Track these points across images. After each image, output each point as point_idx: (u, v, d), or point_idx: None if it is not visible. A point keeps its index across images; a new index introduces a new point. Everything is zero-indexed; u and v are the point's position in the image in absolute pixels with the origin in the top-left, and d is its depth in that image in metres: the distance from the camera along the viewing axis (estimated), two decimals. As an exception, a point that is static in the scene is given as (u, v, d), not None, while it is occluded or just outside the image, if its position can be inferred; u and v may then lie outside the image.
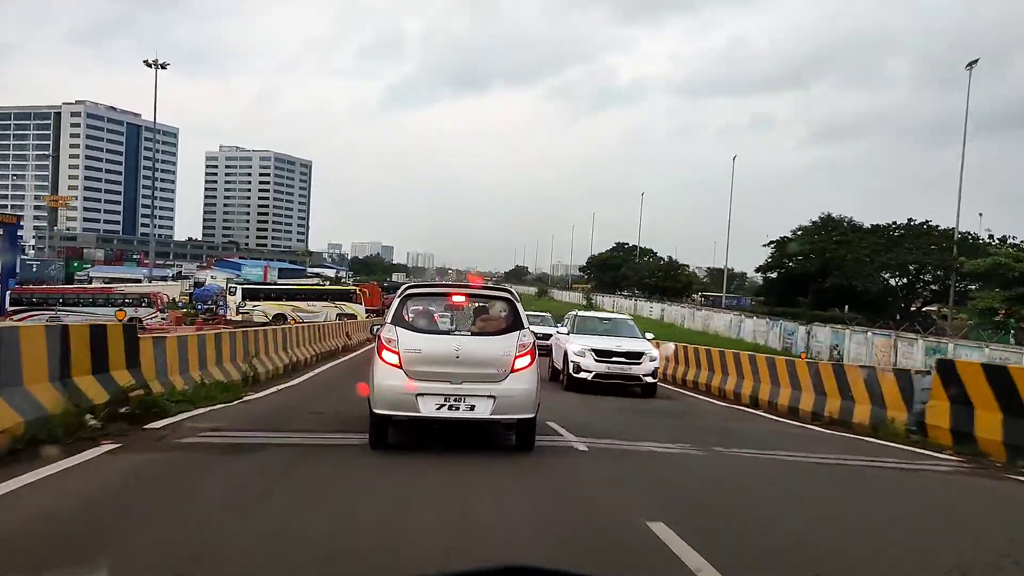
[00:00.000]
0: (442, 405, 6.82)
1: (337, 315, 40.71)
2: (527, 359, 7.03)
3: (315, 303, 45.12)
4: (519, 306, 7.45)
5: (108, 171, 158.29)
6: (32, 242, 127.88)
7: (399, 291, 7.78)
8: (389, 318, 7.27)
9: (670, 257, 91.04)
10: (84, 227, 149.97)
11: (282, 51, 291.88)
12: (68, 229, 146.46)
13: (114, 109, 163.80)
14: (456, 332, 7.46)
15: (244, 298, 45.05)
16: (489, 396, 6.86)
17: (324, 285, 60.15)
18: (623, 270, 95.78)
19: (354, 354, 23.28)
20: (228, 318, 42.25)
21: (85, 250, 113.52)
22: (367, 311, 47.28)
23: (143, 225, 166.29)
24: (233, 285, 50.82)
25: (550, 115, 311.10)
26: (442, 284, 9.18)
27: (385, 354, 6.94)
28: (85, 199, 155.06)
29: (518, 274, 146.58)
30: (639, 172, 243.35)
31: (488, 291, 8.20)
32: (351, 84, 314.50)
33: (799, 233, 57.88)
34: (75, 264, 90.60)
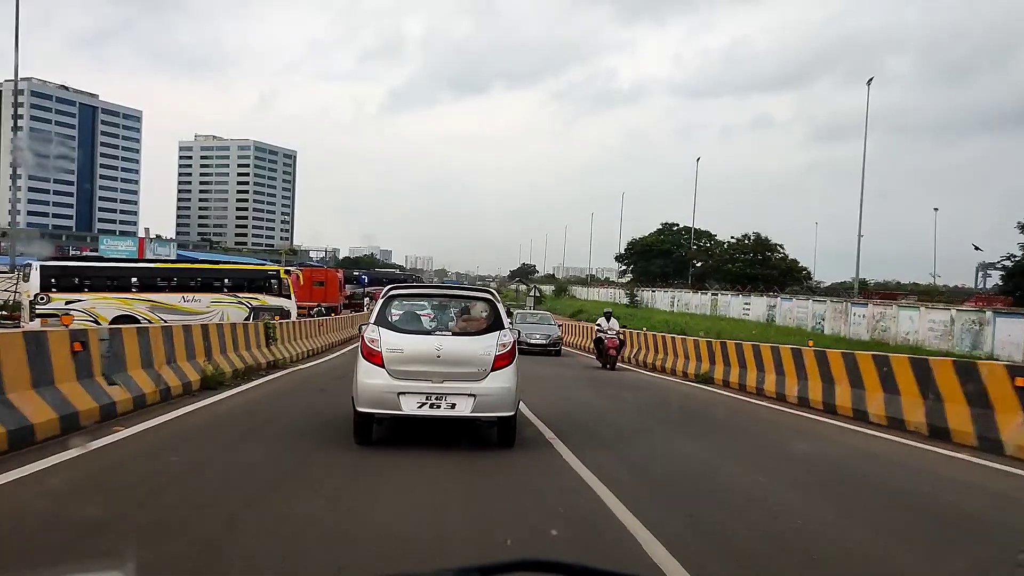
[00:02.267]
0: (424, 403, 6.94)
1: (249, 314, 25.41)
2: (507, 358, 7.14)
3: (199, 295, 26.81)
4: (500, 306, 7.65)
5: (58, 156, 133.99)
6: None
7: (383, 292, 7.96)
8: (372, 318, 7.44)
9: (757, 235, 66.84)
10: (28, 222, 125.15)
11: (280, 55, 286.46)
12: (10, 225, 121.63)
13: (66, 88, 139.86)
14: (438, 332, 7.53)
15: (47, 286, 24.93)
16: (469, 395, 6.95)
17: (220, 265, 34.91)
18: (676, 256, 75.39)
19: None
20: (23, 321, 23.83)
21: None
22: (311, 308, 33.18)
23: (101, 220, 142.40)
24: (26, 266, 27.27)
25: (551, 116, 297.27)
26: (424, 285, 9.37)
27: (367, 353, 7.08)
28: (30, 189, 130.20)
29: (525, 272, 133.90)
30: (642, 172, 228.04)
31: (470, 292, 8.50)
32: (350, 87, 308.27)
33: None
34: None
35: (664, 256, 79.99)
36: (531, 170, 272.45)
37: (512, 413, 7.14)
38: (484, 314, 7.61)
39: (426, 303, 8.24)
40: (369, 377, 7.00)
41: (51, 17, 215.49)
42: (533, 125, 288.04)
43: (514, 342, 7.31)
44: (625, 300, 66.62)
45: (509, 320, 7.75)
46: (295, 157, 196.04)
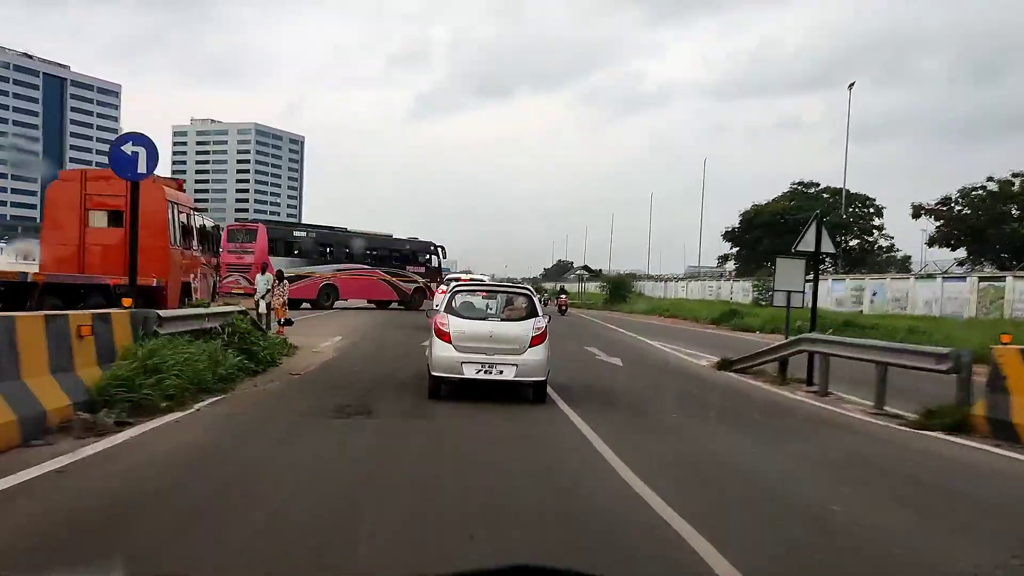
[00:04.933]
0: (480, 370, 9.29)
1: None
2: (541, 338, 9.52)
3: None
4: (536, 299, 10.50)
5: (16, 135, 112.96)
6: None
7: (451, 287, 11.56)
8: (442, 308, 10.01)
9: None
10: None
11: (306, 61, 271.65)
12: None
13: (29, 56, 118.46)
14: (490, 318, 10.00)
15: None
16: (513, 364, 9.30)
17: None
18: (827, 220, 50.04)
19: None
20: None
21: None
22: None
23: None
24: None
25: (580, 118, 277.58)
26: (480, 284, 13.31)
27: (440, 333, 9.47)
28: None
29: (561, 270, 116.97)
30: (668, 172, 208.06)
31: (513, 289, 11.51)
32: (377, 93, 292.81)
33: None
34: None
35: (792, 232, 56.87)
36: (558, 173, 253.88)
37: (544, 378, 9.56)
38: (524, 305, 10.19)
39: (481, 297, 10.60)
40: (441, 351, 9.38)
41: (84, 25, 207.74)
42: (563, 126, 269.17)
43: (545, 326, 9.73)
44: (747, 295, 43.63)
45: (542, 309, 10.37)
46: (302, 143, 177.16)
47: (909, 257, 57.29)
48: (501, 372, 9.23)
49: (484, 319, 9.85)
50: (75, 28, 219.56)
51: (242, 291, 26.59)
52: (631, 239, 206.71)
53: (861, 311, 32.38)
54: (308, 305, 29.49)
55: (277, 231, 31.36)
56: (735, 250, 65.88)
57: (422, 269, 34.93)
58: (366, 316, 27.27)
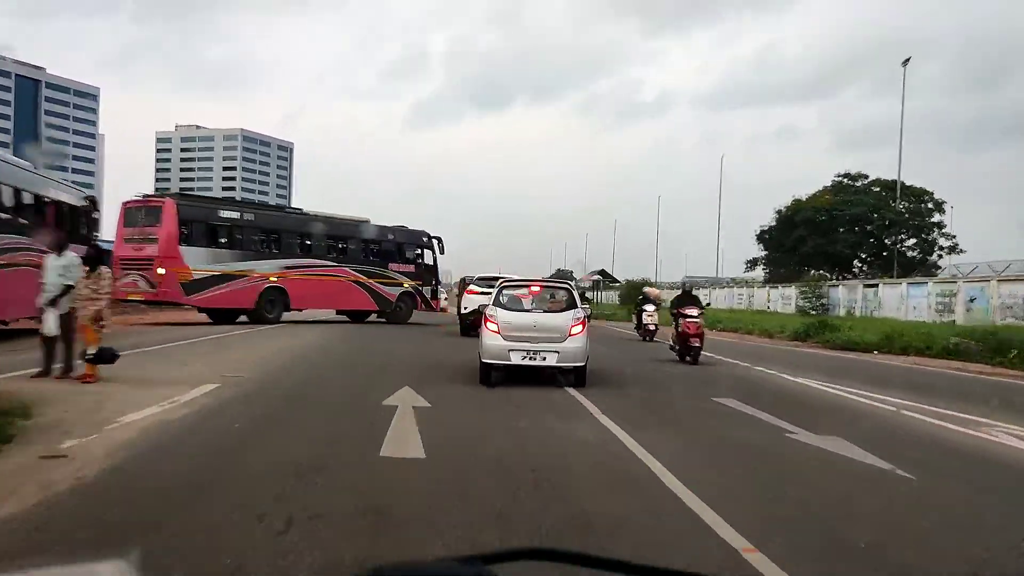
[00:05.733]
0: (525, 356, 10.20)
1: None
2: (580, 327, 10.45)
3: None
4: (575, 293, 11.55)
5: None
6: None
7: (499, 284, 11.80)
8: (492, 302, 10.97)
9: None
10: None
11: (304, 72, 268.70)
12: None
13: (2, 58, 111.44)
14: (534, 310, 10.91)
15: None
16: (555, 352, 10.24)
17: None
18: (874, 218, 46.50)
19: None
20: None
21: None
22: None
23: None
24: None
25: (579, 127, 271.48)
26: (525, 280, 12.29)
27: (489, 325, 10.42)
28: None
29: (563, 279, 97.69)
30: (665, 181, 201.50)
31: (555, 283, 12.49)
32: (374, 104, 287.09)
33: None
34: None
35: (840, 232, 48.81)
36: (557, 181, 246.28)
37: (583, 364, 10.41)
38: (564, 299, 11.17)
39: (526, 291, 11.41)
40: (491, 340, 10.32)
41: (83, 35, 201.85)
42: (558, 136, 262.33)
43: (584, 317, 10.83)
44: (788, 304, 35.76)
45: (582, 302, 11.90)
46: (291, 149, 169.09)
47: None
48: (544, 358, 10.25)
49: (529, 311, 10.87)
50: (67, 38, 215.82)
51: (142, 297, 18.34)
52: (633, 248, 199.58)
53: (954, 321, 25.81)
54: (245, 318, 21.59)
55: (195, 210, 21.74)
56: (764, 253, 57.89)
57: (412, 268, 26.41)
58: (319, 334, 19.20)
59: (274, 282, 21.95)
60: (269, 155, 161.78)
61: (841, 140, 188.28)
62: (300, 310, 23.33)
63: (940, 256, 50.58)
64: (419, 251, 26.98)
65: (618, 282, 53.71)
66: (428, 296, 26.72)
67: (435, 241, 27.34)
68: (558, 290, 11.49)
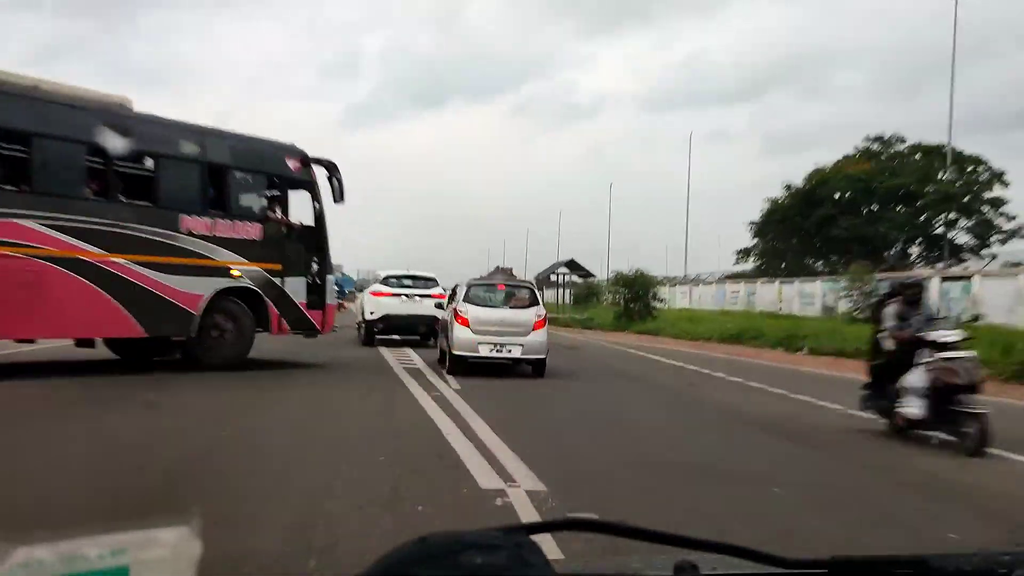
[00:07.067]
0: (492, 349, 11.01)
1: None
2: (541, 323, 11.42)
3: None
4: (537, 292, 12.89)
5: None
6: None
7: (466, 283, 12.26)
8: (461, 298, 11.61)
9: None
10: None
11: (237, 72, 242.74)
12: None
13: None
14: (500, 307, 11.63)
15: None
16: (519, 345, 11.10)
17: None
18: (926, 192, 35.64)
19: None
20: None
21: None
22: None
23: None
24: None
25: (515, 128, 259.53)
26: (492, 280, 12.56)
27: (460, 320, 11.15)
28: None
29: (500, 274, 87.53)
30: (604, 182, 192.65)
31: (518, 283, 12.77)
32: (310, 105, 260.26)
33: None
34: None
35: (849, 211, 36.67)
36: (497, 182, 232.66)
37: (543, 356, 11.38)
38: (528, 297, 11.98)
39: (493, 289, 12.04)
40: (461, 333, 11.05)
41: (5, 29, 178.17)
42: (499, 137, 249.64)
43: (545, 314, 11.95)
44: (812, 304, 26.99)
45: (541, 300, 12.80)
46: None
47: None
48: (510, 351, 11.04)
49: (496, 307, 11.52)
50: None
51: None
52: (579, 246, 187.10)
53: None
54: None
55: None
56: (755, 242, 45.11)
57: (254, 228, 10.95)
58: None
59: None
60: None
61: (767, 141, 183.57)
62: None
63: (1003, 241, 38.93)
64: (276, 193, 11.52)
65: (593, 276, 39.70)
66: (300, 296, 11.37)
67: (320, 172, 11.78)
68: (522, 289, 12.32)
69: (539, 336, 11.14)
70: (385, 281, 17.03)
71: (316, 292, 11.60)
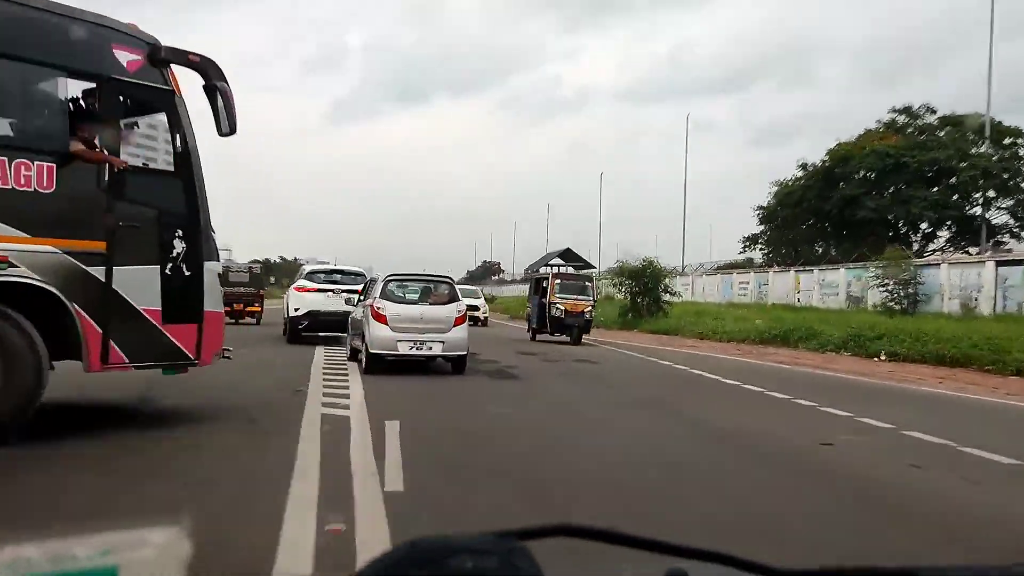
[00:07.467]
0: (412, 346, 10.80)
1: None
2: (461, 320, 11.30)
3: None
4: (456, 287, 12.32)
5: None
6: None
7: (383, 278, 11.85)
8: (377, 295, 11.21)
9: None
10: None
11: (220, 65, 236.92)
12: None
13: None
14: (419, 303, 11.49)
15: None
16: (440, 341, 10.94)
17: None
18: (961, 168, 32.54)
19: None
20: None
21: None
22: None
23: None
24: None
25: (499, 122, 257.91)
26: (411, 274, 12.41)
27: (377, 317, 10.82)
28: None
29: (487, 271, 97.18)
30: (590, 175, 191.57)
31: (437, 278, 12.39)
32: (291, 100, 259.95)
33: None
34: None
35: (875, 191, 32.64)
36: (479, 177, 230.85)
37: (464, 353, 11.31)
38: (446, 292, 11.76)
39: (411, 284, 11.93)
40: (379, 331, 10.74)
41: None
42: (479, 132, 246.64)
43: (465, 310, 11.62)
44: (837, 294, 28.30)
45: (460, 296, 12.21)
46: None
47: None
48: (431, 348, 10.84)
49: (415, 303, 11.37)
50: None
51: None
52: (569, 239, 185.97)
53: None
54: None
55: None
56: (761, 228, 41.14)
57: (58, 168, 5.54)
58: None
59: None
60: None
61: (754, 133, 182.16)
62: None
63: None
64: (97, 108, 6.02)
65: (592, 267, 35.19)
66: (147, 298, 5.95)
67: (187, 79, 6.38)
68: (441, 284, 12.02)
69: (460, 332, 11.17)
70: (310, 276, 16.45)
71: (181, 292, 6.27)
